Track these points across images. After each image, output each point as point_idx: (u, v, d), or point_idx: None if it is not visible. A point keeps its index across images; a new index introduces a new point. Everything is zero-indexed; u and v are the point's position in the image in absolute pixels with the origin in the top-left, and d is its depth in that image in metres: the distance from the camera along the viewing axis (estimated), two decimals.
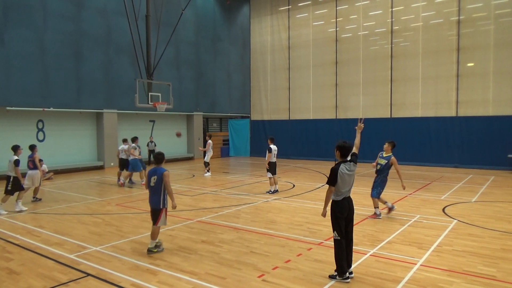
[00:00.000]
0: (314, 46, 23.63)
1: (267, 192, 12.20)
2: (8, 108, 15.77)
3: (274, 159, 12.29)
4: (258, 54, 26.46)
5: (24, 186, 10.23)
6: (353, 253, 5.49)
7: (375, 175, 8.97)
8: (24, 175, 10.44)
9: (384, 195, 9.11)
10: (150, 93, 16.85)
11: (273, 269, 5.71)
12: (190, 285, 5.20)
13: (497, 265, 5.79)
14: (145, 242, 7.00)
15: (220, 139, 27.22)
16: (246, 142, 27.22)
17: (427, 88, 19.72)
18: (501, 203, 10.45)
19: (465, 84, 18.75)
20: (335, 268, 5.33)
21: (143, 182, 14.21)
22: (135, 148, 14.08)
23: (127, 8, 16.41)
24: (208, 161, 16.94)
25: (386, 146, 8.88)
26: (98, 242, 7.12)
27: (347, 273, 5.24)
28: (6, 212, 9.62)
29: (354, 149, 5.66)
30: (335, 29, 22.63)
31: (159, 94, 17.29)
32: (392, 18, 20.68)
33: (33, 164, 10.75)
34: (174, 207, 6.56)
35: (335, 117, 22.86)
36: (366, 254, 6.30)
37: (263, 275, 5.49)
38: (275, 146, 12.41)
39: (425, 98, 19.79)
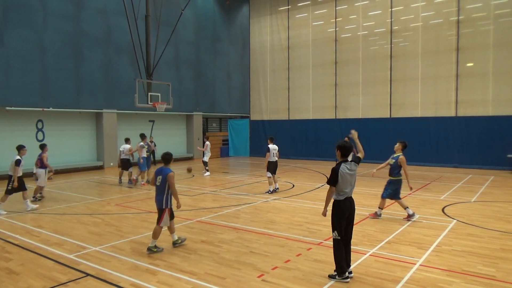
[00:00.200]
0: (313, 46, 23.63)
1: (266, 192, 12.20)
2: (7, 108, 15.77)
3: (274, 159, 12.29)
4: (258, 54, 26.47)
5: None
6: (352, 253, 5.50)
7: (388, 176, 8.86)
8: (31, 174, 10.70)
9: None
10: (149, 93, 16.83)
11: (273, 269, 5.71)
12: (189, 285, 5.20)
13: (497, 265, 5.80)
14: (145, 242, 7.00)
15: (219, 139, 27.23)
16: (246, 142, 27.23)
17: (427, 88, 19.72)
18: (501, 203, 10.46)
19: (464, 84, 18.76)
20: (334, 268, 5.34)
21: (143, 182, 14.22)
22: (143, 147, 13.94)
23: (126, 8, 16.40)
24: (207, 160, 17.02)
25: (396, 146, 8.82)
26: (97, 242, 7.12)
27: (347, 273, 5.25)
28: (5, 212, 9.61)
29: (359, 155, 5.72)
30: (334, 29, 22.63)
31: (159, 94, 17.29)
32: (391, 18, 20.68)
33: (40, 163, 10.94)
34: (178, 207, 6.72)
35: (334, 117, 22.87)
36: (365, 254, 6.30)
37: (262, 275, 5.49)
38: (274, 145, 12.41)
39: (425, 98, 19.80)
